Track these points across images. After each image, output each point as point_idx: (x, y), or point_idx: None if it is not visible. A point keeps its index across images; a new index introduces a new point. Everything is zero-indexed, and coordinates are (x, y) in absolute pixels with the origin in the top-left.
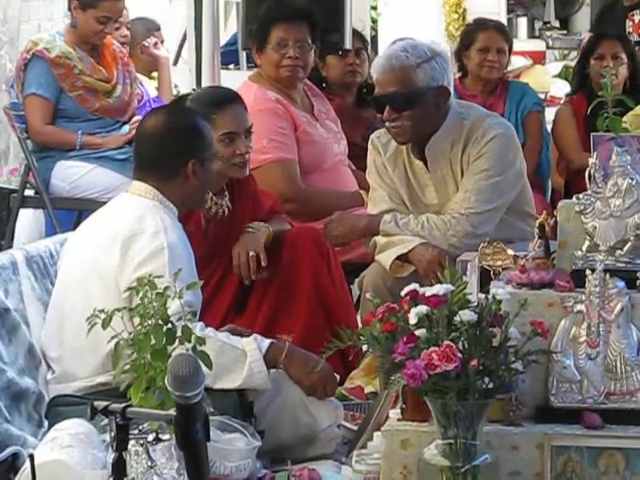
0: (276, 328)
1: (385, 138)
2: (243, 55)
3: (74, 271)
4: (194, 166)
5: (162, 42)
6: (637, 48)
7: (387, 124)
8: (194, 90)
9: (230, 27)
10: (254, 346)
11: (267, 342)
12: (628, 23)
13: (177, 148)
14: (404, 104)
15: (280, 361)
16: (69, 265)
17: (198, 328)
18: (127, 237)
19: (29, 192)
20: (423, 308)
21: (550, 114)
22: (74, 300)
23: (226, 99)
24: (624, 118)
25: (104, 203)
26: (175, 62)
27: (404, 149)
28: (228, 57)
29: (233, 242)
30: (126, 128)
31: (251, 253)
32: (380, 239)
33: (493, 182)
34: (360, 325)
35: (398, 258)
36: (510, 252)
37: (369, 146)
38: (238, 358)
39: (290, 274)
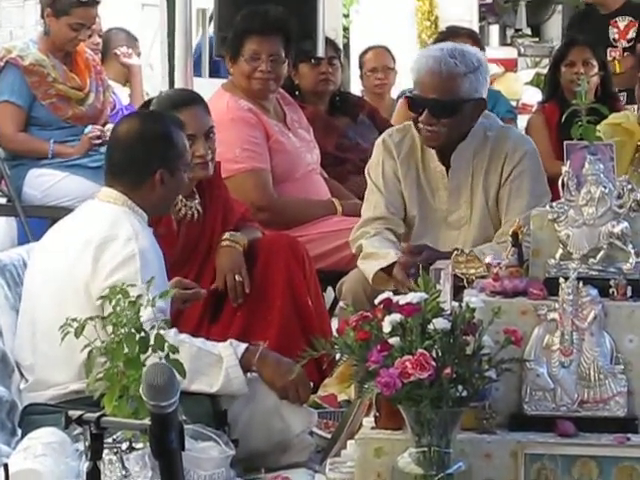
0: (251, 335)
1: (398, 137)
2: (206, 65)
3: (45, 280)
4: (162, 175)
5: (139, 54)
6: (625, 54)
7: (420, 125)
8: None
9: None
10: (230, 351)
11: (243, 346)
12: (612, 30)
13: (147, 156)
14: (445, 112)
15: (253, 363)
16: (38, 273)
17: (172, 334)
18: (99, 244)
19: (1, 200)
20: (397, 316)
21: (522, 121)
22: (46, 309)
23: (185, 101)
24: (598, 127)
25: None
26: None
27: (418, 150)
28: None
29: (204, 246)
30: (89, 128)
31: (237, 278)
32: (367, 246)
33: (540, 201)
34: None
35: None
36: (487, 260)
37: (379, 145)
38: (214, 363)
39: (265, 281)
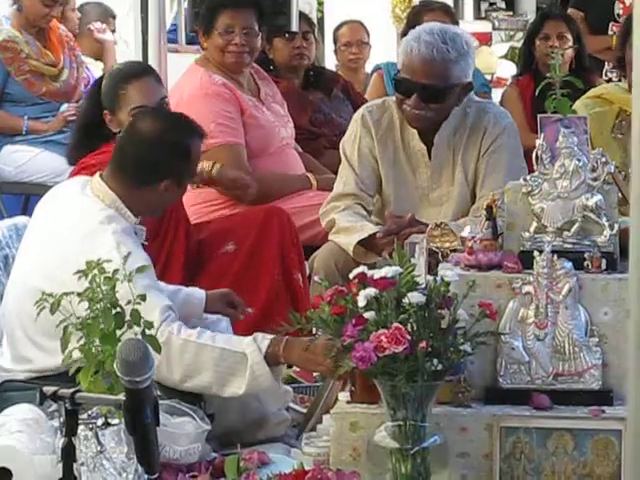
0: None
1: (377, 114)
2: (182, 37)
3: (25, 281)
4: (167, 186)
5: (113, 30)
6: (622, 28)
7: (406, 107)
8: None
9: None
10: (253, 347)
11: (267, 340)
12: (618, 5)
13: (161, 163)
14: (434, 97)
15: (280, 355)
16: (22, 270)
17: (195, 336)
18: (75, 260)
19: None
20: (372, 290)
21: (497, 95)
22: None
23: (135, 73)
24: (578, 102)
25: (51, 187)
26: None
27: (397, 128)
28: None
29: (179, 211)
30: (65, 106)
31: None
32: (340, 220)
33: (517, 177)
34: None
35: (361, 244)
36: (462, 234)
37: (357, 121)
38: (239, 361)
39: (257, 253)
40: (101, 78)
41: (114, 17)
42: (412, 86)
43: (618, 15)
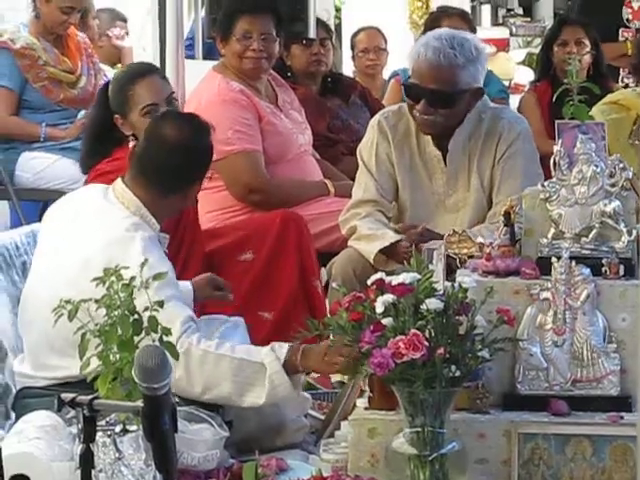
0: (255, 306)
1: (393, 120)
2: (199, 47)
3: (44, 288)
4: (193, 189)
5: (127, 33)
6: (639, 35)
7: (417, 114)
8: None
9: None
10: (272, 357)
11: (285, 349)
12: (626, 10)
13: (192, 169)
14: (443, 102)
15: (298, 364)
16: (40, 276)
17: (213, 347)
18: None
19: None
20: (389, 297)
21: (514, 102)
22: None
23: (141, 72)
24: (593, 108)
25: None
26: None
27: (413, 134)
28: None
29: (192, 215)
30: (82, 113)
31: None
32: (361, 227)
33: (533, 183)
34: (327, 314)
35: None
36: (479, 240)
37: (374, 127)
38: (258, 371)
39: (275, 259)
40: (107, 84)
41: (126, 21)
42: (420, 91)
43: (627, 20)
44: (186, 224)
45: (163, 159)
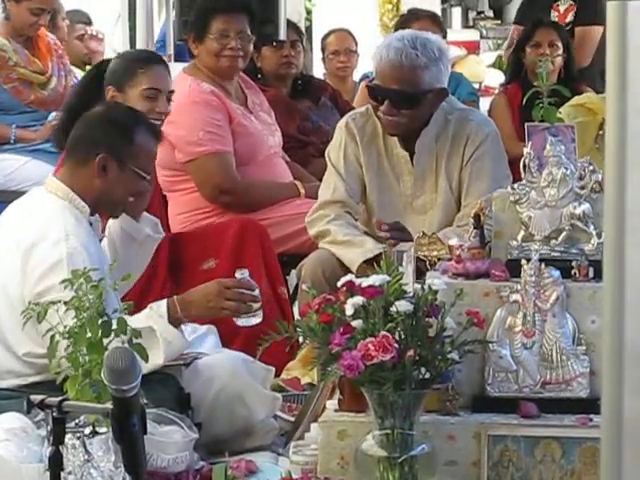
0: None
1: (361, 121)
2: (171, 49)
3: None
4: (106, 161)
5: (99, 35)
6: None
7: (381, 114)
8: None
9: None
10: (155, 317)
11: (164, 306)
12: (553, 13)
13: (98, 136)
14: (406, 103)
15: (180, 315)
16: None
17: None
18: (27, 248)
19: None
20: (359, 299)
21: (485, 104)
22: None
23: (154, 58)
24: (560, 110)
25: None
26: None
27: (380, 136)
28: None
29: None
30: (53, 114)
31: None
32: (337, 232)
33: (500, 185)
34: (297, 316)
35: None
36: (450, 242)
37: (342, 128)
38: (147, 335)
39: (239, 260)
40: (103, 61)
41: (90, 23)
42: (383, 92)
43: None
44: None
45: (75, 131)
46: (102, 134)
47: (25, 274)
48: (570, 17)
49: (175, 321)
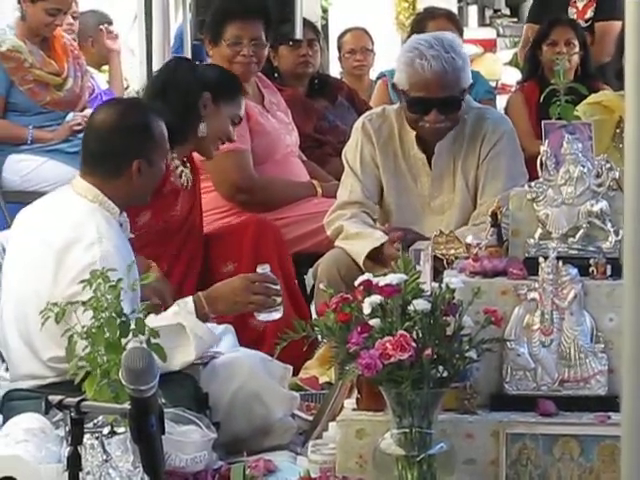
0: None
1: (377, 122)
2: (188, 49)
3: (10, 284)
4: (140, 165)
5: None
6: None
7: (424, 124)
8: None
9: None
10: (184, 313)
11: (190, 302)
12: (571, 10)
13: (124, 146)
14: (453, 108)
15: (206, 311)
16: (8, 275)
17: None
18: (60, 250)
19: None
20: (377, 298)
21: (501, 102)
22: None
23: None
24: (577, 107)
25: None
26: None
27: (397, 137)
28: None
29: (194, 219)
30: (71, 115)
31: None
32: (349, 227)
33: (516, 183)
34: (314, 315)
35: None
36: (466, 240)
37: (358, 129)
38: (177, 331)
39: (257, 262)
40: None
41: (111, 23)
42: (430, 102)
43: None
44: (191, 229)
45: (96, 146)
46: (128, 143)
47: (57, 276)
48: (590, 13)
49: (202, 317)
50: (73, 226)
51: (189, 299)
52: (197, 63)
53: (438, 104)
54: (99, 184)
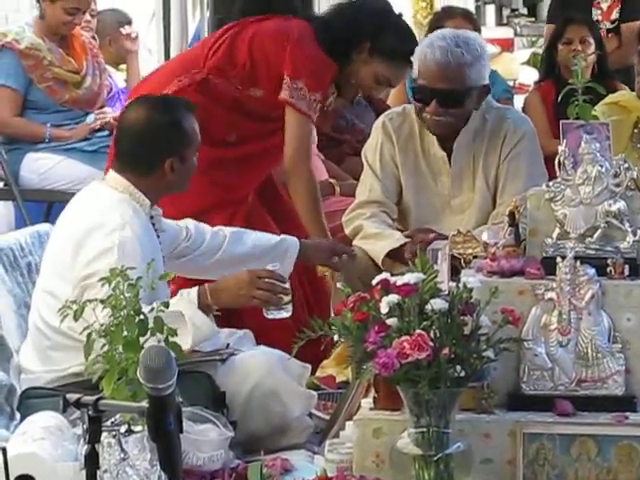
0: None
1: (397, 121)
2: None
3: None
4: (172, 163)
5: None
6: (610, 35)
7: (426, 115)
8: None
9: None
10: (185, 301)
11: (194, 292)
12: (595, 11)
13: (155, 146)
14: (454, 102)
15: (209, 302)
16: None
17: None
18: (84, 231)
19: None
20: (394, 297)
21: (519, 101)
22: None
23: None
24: (595, 108)
25: (73, 194)
26: None
27: (417, 136)
28: None
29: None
30: (92, 117)
31: None
32: (368, 226)
33: (536, 183)
34: (332, 314)
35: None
36: (482, 239)
37: (379, 128)
38: (177, 319)
39: None
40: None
41: (130, 23)
42: (430, 92)
43: (597, 21)
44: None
45: (129, 145)
46: (158, 143)
47: (75, 258)
48: (615, 14)
49: (205, 308)
50: (98, 213)
51: (194, 289)
52: None
53: (438, 95)
54: (132, 180)
